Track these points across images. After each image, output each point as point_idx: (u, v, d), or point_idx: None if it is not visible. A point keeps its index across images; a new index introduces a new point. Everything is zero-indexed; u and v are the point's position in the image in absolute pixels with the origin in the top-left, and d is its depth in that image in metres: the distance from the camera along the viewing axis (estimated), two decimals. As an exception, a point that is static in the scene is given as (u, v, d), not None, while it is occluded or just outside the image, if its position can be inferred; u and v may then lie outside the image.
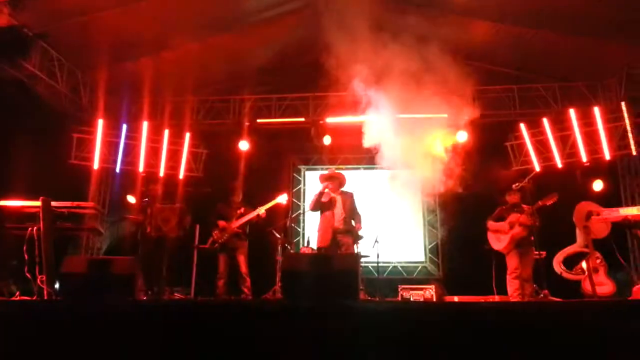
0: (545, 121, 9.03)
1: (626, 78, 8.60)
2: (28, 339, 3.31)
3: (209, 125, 10.09)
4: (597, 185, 8.61)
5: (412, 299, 7.68)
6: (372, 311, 3.53)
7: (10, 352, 3.25)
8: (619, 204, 8.35)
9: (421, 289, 7.84)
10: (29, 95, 7.93)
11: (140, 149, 9.47)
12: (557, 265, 7.20)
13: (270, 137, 9.93)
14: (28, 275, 4.89)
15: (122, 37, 7.95)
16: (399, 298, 7.76)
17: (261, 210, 6.98)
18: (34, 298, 4.85)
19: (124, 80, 9.26)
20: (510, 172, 9.01)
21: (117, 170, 9.42)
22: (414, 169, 8.41)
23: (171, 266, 6.99)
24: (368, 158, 9.57)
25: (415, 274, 10.09)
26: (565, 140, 8.95)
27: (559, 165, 8.91)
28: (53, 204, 5.10)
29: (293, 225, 10.27)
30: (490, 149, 9.12)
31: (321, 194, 6.59)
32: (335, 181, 6.68)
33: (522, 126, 9.19)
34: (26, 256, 4.88)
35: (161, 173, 9.44)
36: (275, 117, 9.88)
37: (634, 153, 8.47)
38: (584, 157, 8.73)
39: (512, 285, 6.33)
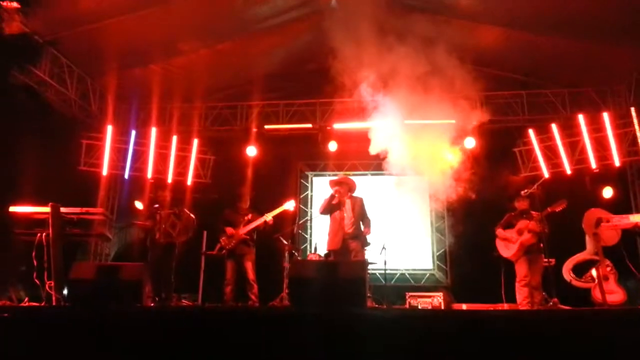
0: (554, 127, 8.98)
1: (636, 83, 8.54)
2: (37, 345, 3.32)
3: (216, 131, 10.13)
4: (607, 193, 8.54)
5: (420, 307, 7.64)
6: (379, 319, 3.51)
7: (19, 358, 3.27)
8: (629, 210, 8.26)
9: (429, 297, 7.79)
10: (38, 101, 8.00)
11: (149, 155, 9.52)
12: (567, 273, 7.14)
13: (278, 143, 9.95)
14: (37, 281, 4.92)
15: (131, 44, 8.02)
16: (407, 306, 7.72)
17: (268, 217, 6.99)
18: (43, 304, 4.87)
19: (133, 87, 9.35)
20: (519, 178, 8.96)
21: (126, 176, 9.47)
22: (421, 175, 8.40)
23: (179, 272, 7.01)
24: (375, 164, 9.57)
25: (423, 281, 10.03)
26: (574, 146, 8.90)
27: (568, 171, 8.85)
28: (62, 210, 5.14)
29: (300, 231, 10.26)
30: (498, 154, 9.09)
31: (332, 197, 6.60)
32: (345, 186, 6.69)
33: (531, 132, 9.14)
34: (35, 262, 4.91)
35: (169, 179, 9.49)
36: (282, 123, 9.91)
37: (645, 159, 8.40)
38: (593, 164, 8.67)
39: (521, 293, 6.28)
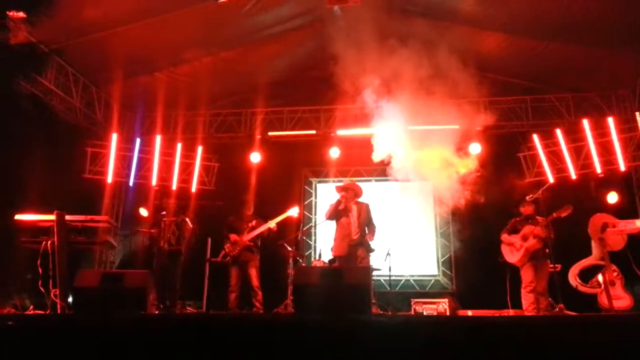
0: (558, 132, 8.96)
1: (640, 88, 8.53)
2: (41, 353, 3.32)
3: (221, 138, 10.18)
4: (612, 198, 8.50)
5: (425, 313, 7.60)
6: (384, 325, 3.49)
7: (24, 366, 3.27)
8: (634, 215, 8.20)
9: (434, 303, 7.75)
10: (44, 110, 8.05)
11: (154, 163, 9.56)
12: (573, 279, 7.10)
13: (282, 150, 9.97)
14: (42, 289, 4.92)
15: (136, 53, 8.07)
16: (412, 312, 7.68)
17: (272, 224, 6.99)
18: (48, 312, 4.88)
19: (137, 95, 9.40)
20: (524, 183, 8.94)
21: (131, 183, 9.51)
22: (426, 180, 8.39)
23: (184, 280, 7.03)
24: (379, 170, 9.56)
25: (428, 287, 9.99)
26: (579, 151, 8.87)
27: (573, 176, 8.81)
28: (67, 217, 5.15)
29: (304, 238, 10.26)
30: (503, 160, 9.07)
31: (338, 203, 6.59)
32: (351, 192, 6.68)
33: (535, 137, 9.12)
34: (40, 270, 4.92)
35: (174, 186, 9.52)
36: (286, 130, 9.95)
37: (650, 164, 8.36)
38: (598, 168, 8.64)
39: (527, 299, 6.24)
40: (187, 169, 9.77)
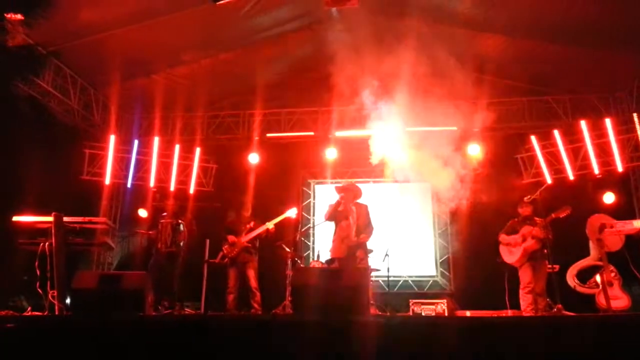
0: (556, 133, 8.98)
1: (637, 90, 8.55)
2: (39, 355, 3.32)
3: (219, 140, 10.18)
4: (608, 198, 8.52)
5: (423, 314, 7.60)
6: (382, 326, 3.49)
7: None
8: (632, 216, 8.24)
9: (433, 304, 7.76)
10: (42, 111, 8.04)
11: (151, 165, 9.55)
12: (571, 279, 7.11)
13: (280, 151, 9.98)
14: (40, 290, 4.91)
15: (134, 54, 8.07)
16: (410, 313, 7.69)
17: (270, 225, 6.99)
18: (46, 313, 4.87)
19: (135, 97, 9.40)
20: (522, 184, 8.95)
21: (129, 185, 9.50)
22: (424, 182, 8.39)
23: (182, 281, 7.02)
24: (378, 171, 9.56)
25: (427, 288, 9.99)
26: (576, 153, 8.90)
27: (571, 177, 8.84)
28: (65, 219, 5.14)
29: (303, 239, 10.25)
30: (501, 161, 9.09)
31: (338, 204, 6.59)
32: (350, 193, 6.67)
33: (533, 138, 9.14)
34: (38, 272, 4.90)
35: (172, 188, 9.51)
36: (284, 132, 9.96)
37: (647, 164, 8.39)
38: (596, 169, 8.66)
39: (525, 300, 6.25)
40: (185, 171, 9.77)
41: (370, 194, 8.90)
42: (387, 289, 8.22)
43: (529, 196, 6.58)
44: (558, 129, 9.06)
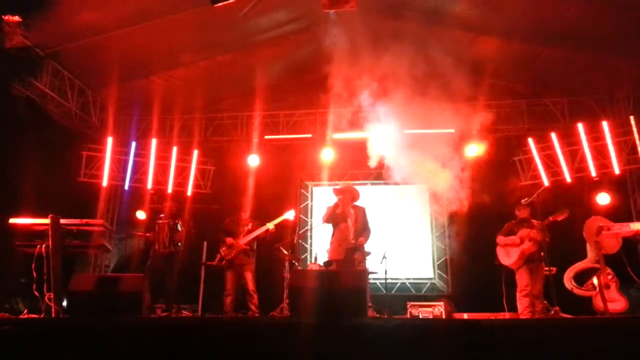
0: (553, 136, 9.01)
1: (635, 92, 8.58)
2: (36, 358, 3.31)
3: (217, 141, 10.18)
4: (602, 199, 8.52)
5: (421, 316, 7.60)
6: (380, 329, 3.49)
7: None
8: (629, 218, 8.25)
9: (430, 306, 7.75)
10: (39, 113, 8.04)
11: (149, 166, 9.54)
12: (568, 282, 7.12)
13: (278, 153, 9.97)
14: (36, 293, 4.89)
15: (132, 56, 8.07)
16: (408, 315, 7.68)
17: (270, 226, 6.98)
18: (42, 316, 4.85)
19: (133, 98, 9.39)
20: (519, 186, 8.96)
21: (126, 187, 9.49)
22: (422, 184, 8.40)
23: (179, 283, 7.01)
24: (375, 173, 9.58)
25: (424, 290, 9.99)
26: (574, 155, 8.92)
27: (568, 179, 8.86)
28: (62, 221, 5.12)
29: (300, 241, 10.24)
30: (498, 163, 9.10)
31: (336, 206, 6.58)
32: (348, 195, 6.66)
33: (531, 141, 9.16)
34: (35, 274, 4.89)
35: (169, 190, 9.50)
36: (282, 134, 9.96)
37: (644, 167, 8.41)
38: (593, 172, 8.68)
39: (522, 303, 6.25)
40: (182, 173, 9.76)
41: (368, 196, 8.91)
42: (384, 291, 8.21)
43: (526, 198, 6.60)
44: (555, 131, 9.08)
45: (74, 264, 8.05)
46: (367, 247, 6.65)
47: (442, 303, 7.84)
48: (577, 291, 6.96)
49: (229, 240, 6.91)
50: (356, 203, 6.73)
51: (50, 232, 5.00)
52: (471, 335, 3.30)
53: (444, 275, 10.01)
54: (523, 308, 6.23)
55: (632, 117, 8.49)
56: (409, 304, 7.89)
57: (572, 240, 7.21)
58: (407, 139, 7.65)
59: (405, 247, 9.64)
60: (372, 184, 10.39)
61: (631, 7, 6.67)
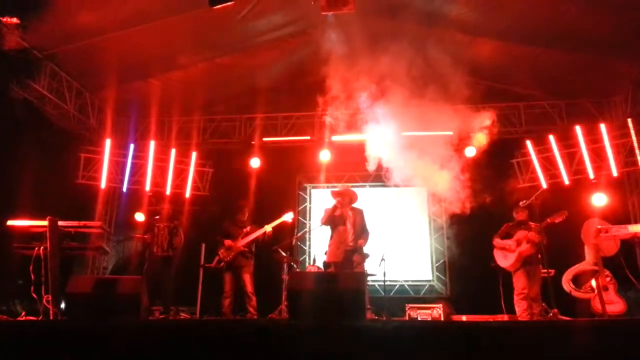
0: (551, 138, 9.03)
1: (632, 94, 8.59)
2: (33, 360, 3.29)
3: (215, 144, 10.18)
4: (598, 200, 8.52)
5: (419, 319, 7.60)
6: (379, 331, 3.49)
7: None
8: (627, 221, 8.27)
9: (429, 308, 7.75)
10: (37, 115, 8.03)
11: (147, 168, 9.53)
12: (566, 284, 7.12)
13: (276, 156, 9.98)
14: (34, 295, 4.88)
15: (130, 58, 8.07)
16: (406, 317, 7.68)
17: (268, 228, 6.98)
18: (40, 318, 4.84)
19: (131, 100, 9.39)
20: (517, 188, 8.96)
21: (124, 189, 9.48)
22: (420, 186, 8.40)
23: (177, 285, 7.00)
24: (374, 176, 9.58)
25: (423, 292, 9.99)
26: (571, 157, 8.94)
27: (566, 182, 8.87)
28: (60, 223, 5.12)
29: (299, 243, 10.23)
30: (496, 165, 9.10)
31: (334, 208, 6.58)
32: (346, 197, 6.66)
33: (529, 143, 9.18)
34: (32, 276, 4.88)
35: (167, 192, 9.49)
36: (280, 136, 9.97)
37: (642, 169, 8.42)
38: (591, 174, 8.70)
39: (520, 306, 6.24)
40: (181, 175, 9.76)
41: (366, 198, 8.92)
42: (383, 293, 8.21)
43: (524, 201, 6.60)
44: (553, 133, 9.11)
45: (72, 266, 8.03)
46: (366, 249, 6.65)
47: (440, 305, 7.83)
48: (576, 293, 6.96)
49: (228, 242, 6.90)
50: (354, 205, 6.72)
51: (48, 234, 4.99)
52: (469, 337, 3.30)
53: (443, 278, 10.01)
54: (521, 311, 6.23)
55: (629, 120, 8.50)
56: (408, 306, 7.89)
57: (570, 243, 7.21)
58: (405, 141, 7.66)
59: (403, 249, 9.65)
60: (371, 186, 10.40)
61: (631, 7, 6.68)
